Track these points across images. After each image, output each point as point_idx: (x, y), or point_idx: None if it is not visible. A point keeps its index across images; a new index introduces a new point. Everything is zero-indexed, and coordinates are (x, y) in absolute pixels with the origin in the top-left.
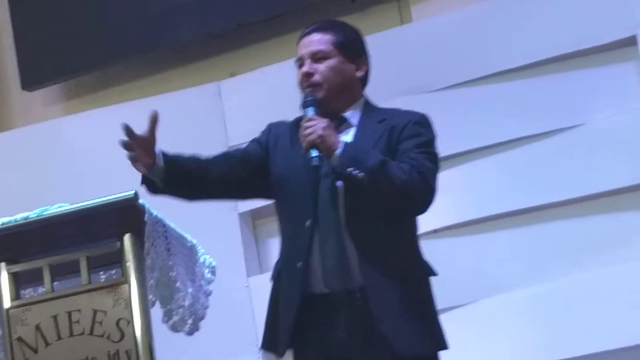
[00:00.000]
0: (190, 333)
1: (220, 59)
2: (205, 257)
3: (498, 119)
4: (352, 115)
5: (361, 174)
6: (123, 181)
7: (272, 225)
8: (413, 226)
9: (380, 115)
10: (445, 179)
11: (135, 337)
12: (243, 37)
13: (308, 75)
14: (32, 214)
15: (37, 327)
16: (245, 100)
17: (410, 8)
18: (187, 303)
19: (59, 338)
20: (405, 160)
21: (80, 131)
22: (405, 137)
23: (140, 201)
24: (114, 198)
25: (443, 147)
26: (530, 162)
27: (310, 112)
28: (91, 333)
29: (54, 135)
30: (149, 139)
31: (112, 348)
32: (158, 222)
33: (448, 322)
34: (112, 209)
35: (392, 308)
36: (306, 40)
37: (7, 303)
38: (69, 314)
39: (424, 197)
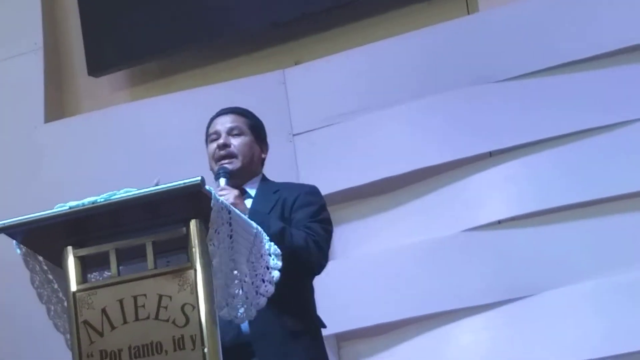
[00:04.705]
0: (241, 321)
1: (285, 47)
2: (270, 244)
3: (564, 110)
4: (250, 187)
5: None
6: (189, 167)
7: None
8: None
9: (274, 187)
10: (508, 170)
11: (200, 322)
12: (308, 26)
13: (225, 146)
14: (100, 198)
15: (103, 311)
16: (310, 88)
17: None
18: (240, 292)
19: (125, 322)
20: (301, 228)
21: (146, 117)
22: (299, 207)
23: (207, 187)
24: (181, 184)
25: (507, 139)
26: (594, 155)
27: (224, 182)
28: (156, 318)
29: (120, 120)
30: None
31: (177, 333)
32: (224, 208)
33: (511, 314)
34: (178, 195)
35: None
36: (222, 119)
37: (73, 286)
38: (135, 298)
39: (319, 262)
